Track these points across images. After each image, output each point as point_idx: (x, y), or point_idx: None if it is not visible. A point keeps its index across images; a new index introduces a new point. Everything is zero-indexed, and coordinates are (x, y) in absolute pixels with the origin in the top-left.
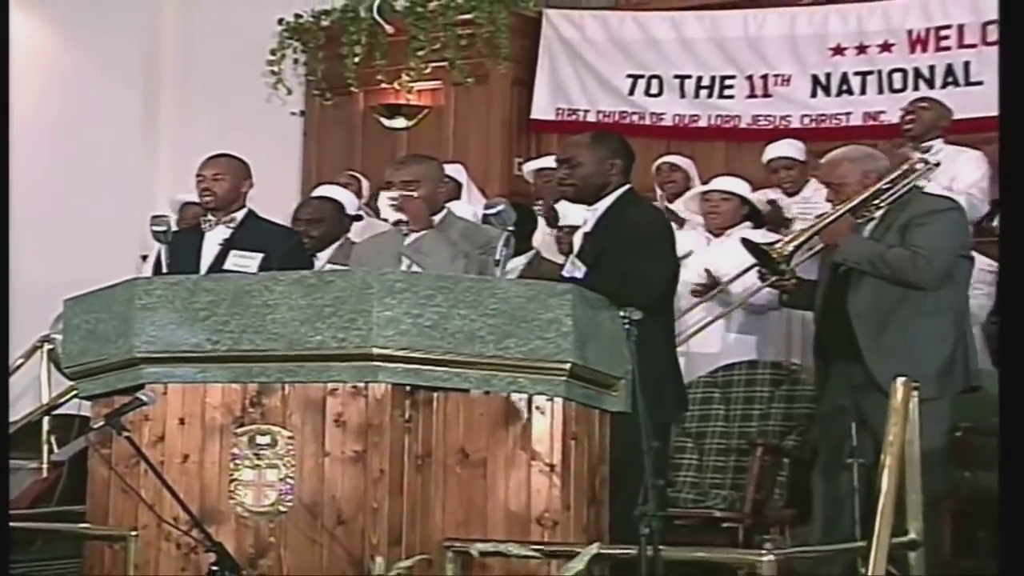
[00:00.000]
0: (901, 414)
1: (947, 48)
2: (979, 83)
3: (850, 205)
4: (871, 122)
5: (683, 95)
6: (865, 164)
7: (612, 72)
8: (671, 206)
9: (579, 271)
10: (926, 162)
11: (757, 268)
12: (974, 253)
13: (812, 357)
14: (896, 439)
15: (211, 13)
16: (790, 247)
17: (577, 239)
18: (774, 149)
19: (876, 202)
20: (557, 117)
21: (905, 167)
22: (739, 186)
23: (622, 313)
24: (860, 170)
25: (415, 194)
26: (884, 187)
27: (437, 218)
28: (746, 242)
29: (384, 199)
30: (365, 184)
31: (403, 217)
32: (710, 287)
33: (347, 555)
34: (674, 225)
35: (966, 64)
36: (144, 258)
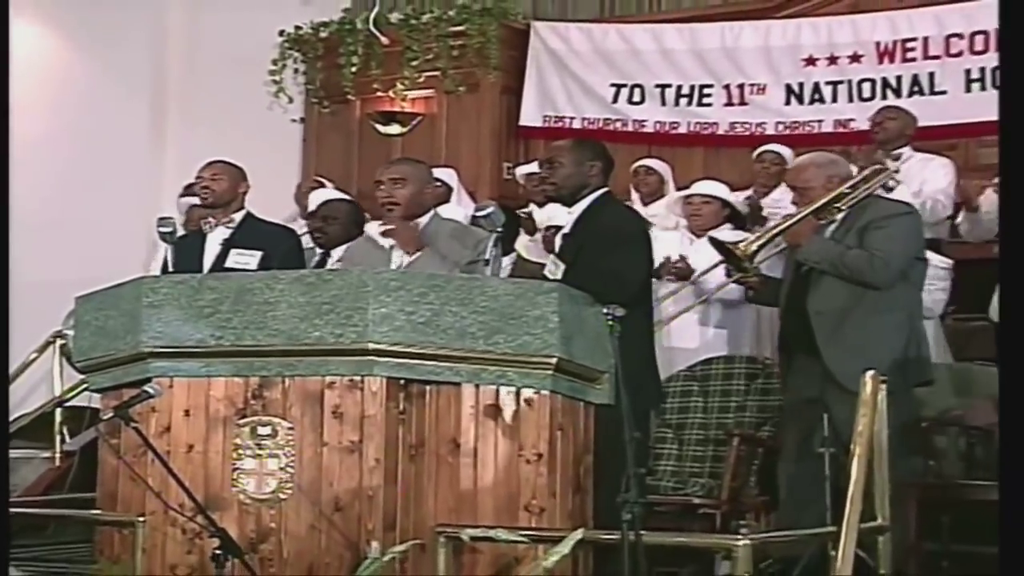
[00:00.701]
0: (870, 406)
1: (913, 59)
2: (943, 92)
3: (813, 207)
4: (841, 129)
5: (664, 103)
6: (829, 169)
7: (596, 81)
8: (647, 209)
9: (559, 269)
10: (887, 170)
11: (724, 265)
12: (931, 253)
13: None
14: (865, 430)
15: (216, 25)
16: (754, 246)
17: (558, 239)
18: (768, 144)
19: (838, 205)
20: (544, 124)
21: (866, 173)
22: (720, 190)
23: (605, 310)
24: (824, 175)
25: (403, 190)
26: (845, 191)
27: (424, 219)
28: (713, 240)
29: (374, 226)
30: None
31: (394, 242)
32: (684, 274)
33: (344, 540)
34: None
35: (931, 75)
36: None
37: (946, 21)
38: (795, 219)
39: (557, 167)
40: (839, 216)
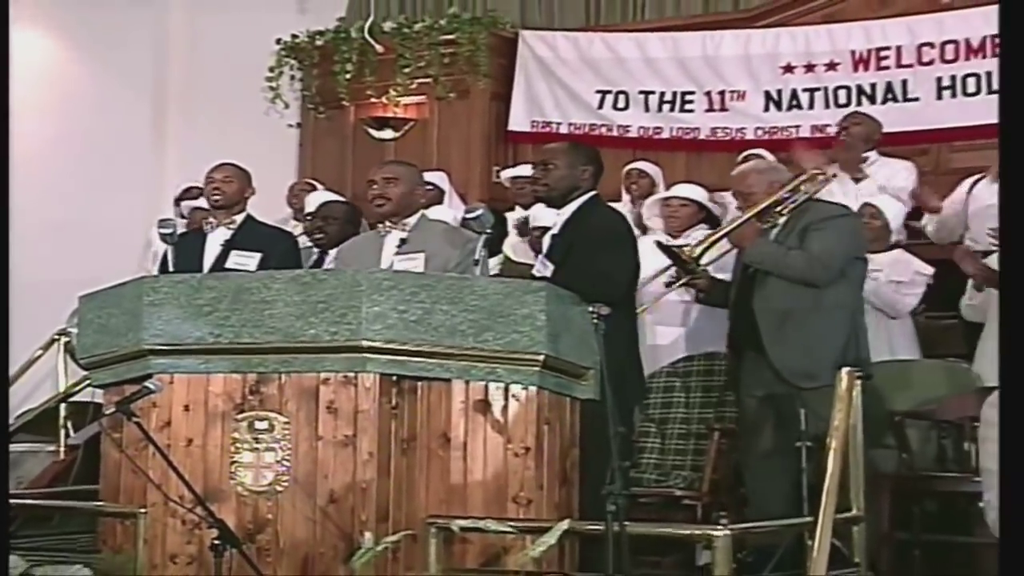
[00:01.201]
0: (845, 401)
1: (886, 67)
2: (915, 99)
3: (755, 211)
4: (818, 134)
5: (647, 109)
6: (770, 175)
7: (582, 88)
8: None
9: (548, 269)
10: (825, 175)
11: (674, 269)
12: (913, 258)
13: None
14: (841, 424)
15: (216, 33)
16: (698, 250)
17: (547, 240)
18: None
19: (779, 209)
20: (532, 129)
21: (804, 178)
22: (696, 193)
23: (591, 308)
24: (766, 180)
25: (394, 188)
26: (786, 196)
27: (412, 220)
28: (660, 244)
29: None
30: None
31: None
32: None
33: (338, 531)
34: (637, 232)
35: (904, 82)
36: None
37: (918, 31)
38: (738, 223)
39: (551, 169)
40: (782, 220)
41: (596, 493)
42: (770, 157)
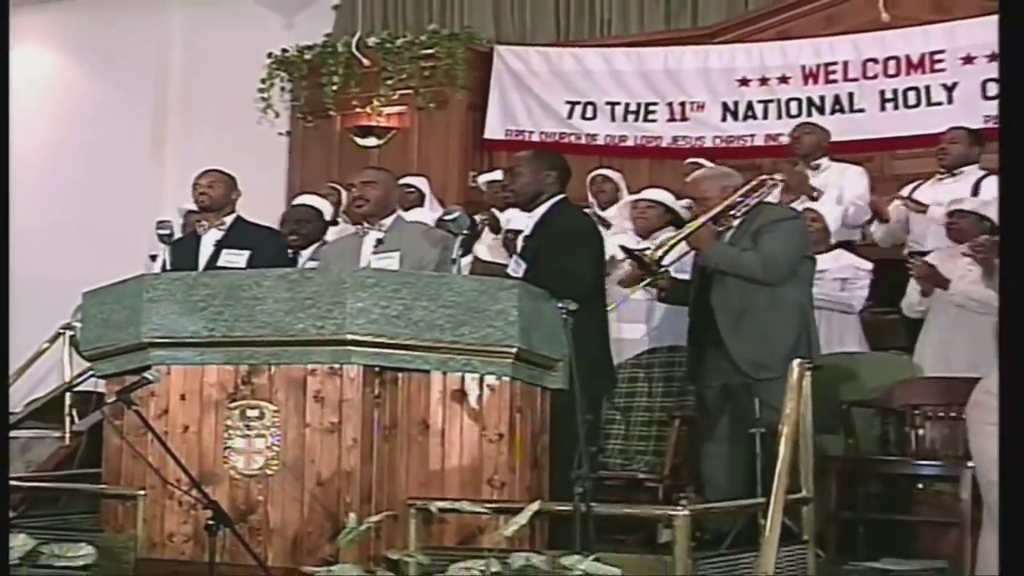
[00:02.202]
0: (796, 391)
1: (834, 81)
2: (861, 110)
3: (710, 215)
4: (771, 143)
5: (613, 119)
6: (723, 181)
7: (553, 99)
8: (601, 213)
9: (521, 268)
10: (774, 180)
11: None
12: (853, 257)
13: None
14: (792, 412)
15: (211, 48)
16: (659, 252)
17: (519, 241)
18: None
19: (732, 212)
20: (506, 137)
21: (754, 183)
22: (663, 196)
23: (560, 304)
24: (719, 186)
25: (372, 191)
26: (738, 200)
27: (388, 221)
28: (624, 248)
29: None
30: (344, 195)
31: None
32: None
33: (324, 511)
34: (603, 229)
35: (850, 95)
36: (153, 258)
37: (863, 47)
38: (695, 226)
39: (517, 176)
40: (736, 223)
41: (565, 476)
42: (709, 164)
